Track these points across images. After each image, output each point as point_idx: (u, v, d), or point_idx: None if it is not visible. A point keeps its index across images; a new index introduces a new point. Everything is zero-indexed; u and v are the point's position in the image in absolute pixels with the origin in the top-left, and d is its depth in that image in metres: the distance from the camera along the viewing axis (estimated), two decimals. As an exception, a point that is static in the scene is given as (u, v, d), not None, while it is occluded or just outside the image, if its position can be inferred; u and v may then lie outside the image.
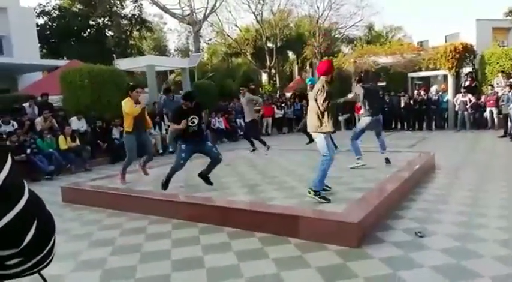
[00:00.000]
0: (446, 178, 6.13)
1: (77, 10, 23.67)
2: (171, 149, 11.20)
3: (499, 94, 12.08)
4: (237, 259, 3.33)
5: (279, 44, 27.14)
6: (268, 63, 26.96)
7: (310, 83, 6.67)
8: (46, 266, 0.72)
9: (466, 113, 12.84)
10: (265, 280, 2.94)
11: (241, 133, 8.51)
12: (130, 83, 7.13)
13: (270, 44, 27.21)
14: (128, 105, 5.76)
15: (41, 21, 22.92)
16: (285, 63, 31.60)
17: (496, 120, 12.37)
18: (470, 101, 12.80)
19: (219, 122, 13.98)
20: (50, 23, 23.47)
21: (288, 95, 19.21)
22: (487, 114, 12.76)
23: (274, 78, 27.53)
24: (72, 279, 3.22)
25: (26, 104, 10.30)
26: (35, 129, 9.18)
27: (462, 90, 13.18)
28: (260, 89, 23.85)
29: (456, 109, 13.14)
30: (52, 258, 0.73)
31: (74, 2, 23.62)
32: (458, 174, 6.32)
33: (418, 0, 51.62)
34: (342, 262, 3.14)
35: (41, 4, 23.11)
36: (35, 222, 0.66)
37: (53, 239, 0.72)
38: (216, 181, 5.59)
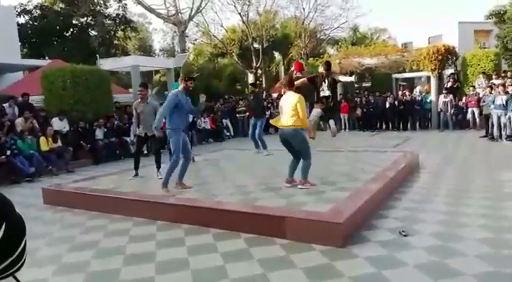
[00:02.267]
0: (430, 177, 6.22)
1: (59, 9, 23.19)
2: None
3: (481, 95, 12.34)
4: (222, 260, 3.30)
5: (265, 45, 27.16)
6: (254, 63, 26.96)
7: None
8: (17, 270, 0.70)
9: (448, 113, 13.08)
10: (251, 281, 2.92)
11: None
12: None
13: (256, 45, 27.21)
14: None
15: (22, 20, 22.38)
16: (271, 64, 31.65)
17: (477, 120, 12.63)
18: (452, 101, 13.07)
19: (205, 123, 13.92)
20: (31, 22, 22.94)
21: (275, 95, 19.24)
22: (469, 114, 13.03)
23: (261, 79, 27.54)
24: (53, 284, 3.13)
25: (6, 105, 10.02)
26: (15, 130, 8.94)
27: (444, 91, 13.44)
28: (246, 89, 23.82)
29: (439, 110, 13.38)
30: (24, 261, 0.72)
31: (56, 1, 23.15)
32: (441, 174, 6.42)
33: (402, 2, 52.39)
34: (328, 262, 3.14)
35: (22, 3, 22.58)
36: (3, 226, 0.65)
37: (23, 242, 0.70)
38: (201, 182, 5.56)
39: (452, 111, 13.09)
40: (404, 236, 3.59)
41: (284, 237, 3.65)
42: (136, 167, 6.44)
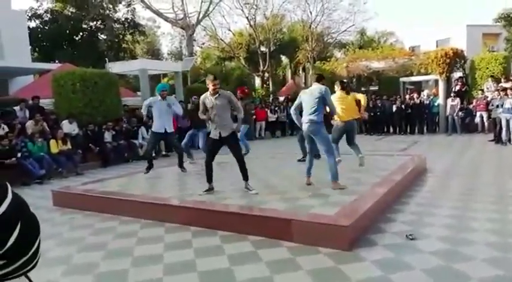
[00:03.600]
0: (438, 181, 6.19)
1: (69, 13, 23.52)
2: (163, 153, 11.20)
3: (489, 99, 12.26)
4: (229, 263, 3.32)
5: (272, 49, 27.24)
6: (261, 67, 27.04)
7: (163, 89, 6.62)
8: (31, 269, 0.71)
9: (456, 117, 12.99)
10: (257, 283, 2.94)
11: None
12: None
13: (263, 48, 27.29)
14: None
15: (32, 24, 22.74)
16: (278, 67, 31.72)
17: (486, 124, 12.53)
18: (459, 105, 12.96)
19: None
20: (41, 26, 23.29)
21: (281, 99, 19.28)
22: (477, 118, 12.93)
23: (268, 82, 27.60)
24: (63, 284, 3.18)
25: (16, 108, 10.19)
26: (25, 132, 9.09)
27: (452, 94, 13.35)
28: (253, 93, 23.89)
29: (447, 113, 13.28)
30: (37, 261, 0.72)
31: (66, 6, 23.48)
32: (449, 178, 6.38)
33: (410, 6, 52.21)
34: (334, 265, 3.15)
35: (32, 7, 22.94)
36: (19, 225, 0.66)
37: (37, 242, 0.72)
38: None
39: (460, 114, 12.99)
40: (412, 239, 3.58)
41: (291, 240, 3.66)
42: (210, 180, 5.18)
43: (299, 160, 7.16)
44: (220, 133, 4.90)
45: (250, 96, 17.07)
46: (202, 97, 5.11)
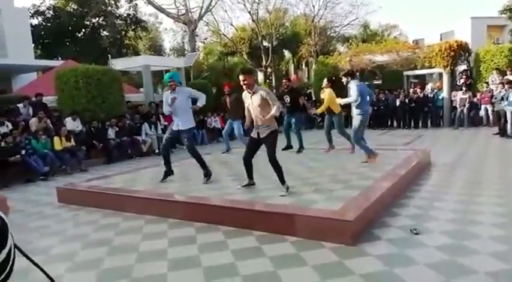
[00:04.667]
0: (442, 175, 6.16)
1: (71, 10, 23.53)
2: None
3: (494, 92, 12.14)
4: (233, 258, 3.32)
5: (274, 43, 27.13)
6: (264, 62, 26.96)
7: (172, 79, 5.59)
8: (5, 278, 0.66)
9: (465, 110, 12.68)
10: (261, 278, 2.94)
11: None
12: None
13: (265, 43, 27.19)
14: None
15: (35, 21, 22.77)
16: (281, 62, 31.60)
17: (491, 117, 12.42)
18: (470, 98, 12.73)
19: (215, 121, 13.98)
20: (44, 23, 23.32)
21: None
22: (482, 111, 12.81)
23: (270, 77, 27.53)
24: (68, 280, 3.20)
25: (20, 105, 10.23)
26: (29, 130, 9.12)
27: (463, 87, 13.06)
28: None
29: (457, 106, 12.96)
30: (9, 271, 0.67)
31: (69, 2, 23.47)
32: (453, 171, 6.35)
33: (413, -2, 51.75)
34: (338, 260, 3.14)
35: (35, 4, 22.97)
36: None
37: (5, 252, 0.67)
38: (212, 180, 5.59)
39: (467, 107, 12.79)
40: (416, 234, 3.57)
41: (295, 235, 3.66)
42: (250, 176, 5.05)
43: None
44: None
45: None
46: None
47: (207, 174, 5.60)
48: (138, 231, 4.24)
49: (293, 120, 8.07)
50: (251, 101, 4.64)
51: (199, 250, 3.56)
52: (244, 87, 4.60)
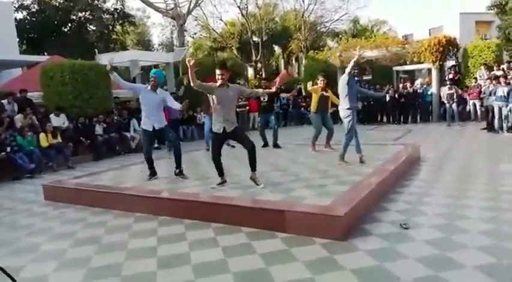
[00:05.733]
0: (432, 170, 6.21)
1: (57, 4, 23.08)
2: (156, 145, 11.08)
3: (482, 87, 12.26)
4: (223, 255, 3.30)
5: (264, 38, 27.09)
6: (254, 57, 26.89)
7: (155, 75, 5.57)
8: None
9: (453, 105, 12.52)
10: (252, 275, 2.92)
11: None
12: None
13: (255, 38, 27.11)
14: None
15: (20, 15, 22.30)
16: (271, 57, 31.56)
17: (478, 112, 12.57)
18: (457, 93, 12.72)
19: (205, 117, 13.86)
20: (29, 18, 22.84)
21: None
22: (470, 106, 12.95)
23: (260, 73, 27.48)
24: (56, 279, 3.14)
25: (4, 101, 10.00)
26: (14, 126, 8.94)
27: (448, 82, 13.06)
28: (246, 83, 23.75)
29: (445, 101, 12.85)
30: None
31: (54, -4, 23.05)
32: (443, 166, 6.41)
33: (402, -6, 51.99)
34: (329, 255, 3.14)
35: (19, -2, 22.48)
36: None
37: None
38: (201, 176, 5.55)
39: (455, 102, 12.70)
40: (406, 228, 3.59)
41: (285, 231, 3.65)
42: (222, 173, 5.00)
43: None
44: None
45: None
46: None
47: (181, 172, 5.61)
48: (127, 229, 4.18)
49: (272, 117, 8.16)
50: (226, 94, 4.64)
51: (189, 247, 3.53)
52: (220, 81, 4.59)
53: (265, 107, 8.10)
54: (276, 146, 7.99)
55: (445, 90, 12.91)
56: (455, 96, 12.61)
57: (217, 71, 4.60)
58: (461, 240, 3.26)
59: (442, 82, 13.84)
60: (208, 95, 4.74)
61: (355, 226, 3.66)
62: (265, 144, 8.18)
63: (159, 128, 5.50)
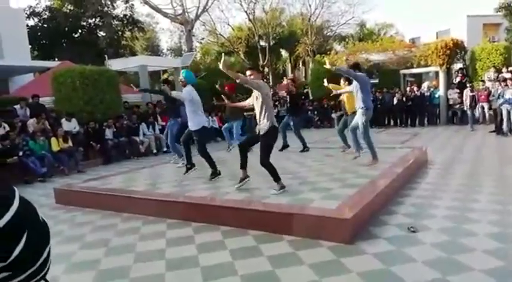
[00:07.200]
0: (439, 173, 6.18)
1: (67, 11, 23.46)
2: (164, 149, 11.19)
3: (491, 88, 12.13)
4: (231, 257, 3.33)
5: (271, 43, 27.18)
6: (261, 61, 26.97)
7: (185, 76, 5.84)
8: (41, 279, 0.68)
9: (467, 109, 12.05)
10: (259, 278, 2.95)
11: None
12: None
13: (262, 43, 27.23)
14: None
15: (31, 22, 22.70)
16: (278, 61, 31.65)
17: (487, 115, 12.45)
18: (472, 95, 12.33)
19: (213, 121, 13.98)
20: (40, 24, 23.25)
21: (282, 93, 19.23)
22: (478, 109, 12.82)
23: (268, 77, 27.55)
24: (65, 281, 3.20)
25: (17, 106, 10.20)
26: (27, 131, 9.10)
27: (468, 85, 12.52)
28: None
29: (465, 106, 12.30)
30: (47, 271, 0.68)
31: (65, 3, 23.41)
32: (450, 169, 6.38)
33: (409, -3, 51.82)
34: (336, 258, 3.16)
35: (31, 5, 22.87)
36: (25, 235, 0.62)
37: (47, 251, 0.68)
38: (209, 180, 5.60)
39: (458, 106, 12.50)
40: (413, 232, 3.59)
41: (292, 234, 3.67)
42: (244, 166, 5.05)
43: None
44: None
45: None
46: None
47: (215, 172, 5.72)
48: (136, 232, 4.24)
49: (291, 123, 8.05)
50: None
51: (198, 250, 3.57)
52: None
53: (287, 108, 8.48)
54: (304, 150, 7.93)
55: (467, 94, 12.24)
56: (468, 100, 12.25)
57: (248, 72, 4.66)
58: (469, 244, 3.26)
59: (449, 85, 13.73)
60: (255, 91, 4.59)
61: (362, 229, 3.67)
62: (284, 146, 7.94)
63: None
